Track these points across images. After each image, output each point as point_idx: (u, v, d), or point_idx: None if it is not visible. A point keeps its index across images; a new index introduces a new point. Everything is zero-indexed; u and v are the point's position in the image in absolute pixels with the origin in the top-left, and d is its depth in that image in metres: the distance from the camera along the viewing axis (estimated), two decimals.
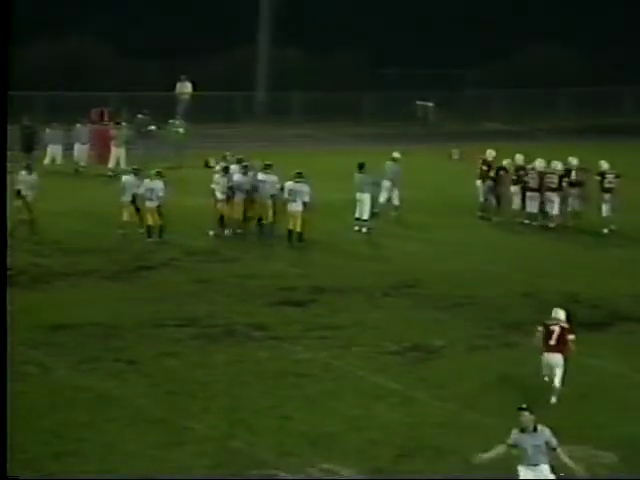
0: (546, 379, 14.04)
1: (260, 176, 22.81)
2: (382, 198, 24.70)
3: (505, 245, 23.02)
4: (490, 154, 26.06)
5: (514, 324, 17.05)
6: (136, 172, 22.94)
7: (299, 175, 22.15)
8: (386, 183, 24.86)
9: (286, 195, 21.94)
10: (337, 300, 18.28)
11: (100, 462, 11.93)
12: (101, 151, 31.24)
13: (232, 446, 12.41)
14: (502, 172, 25.59)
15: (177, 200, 24.35)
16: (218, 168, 23.51)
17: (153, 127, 32.95)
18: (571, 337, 14.01)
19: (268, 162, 23.13)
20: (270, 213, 22.57)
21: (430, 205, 27.00)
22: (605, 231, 24.16)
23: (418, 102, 45.01)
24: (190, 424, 12.90)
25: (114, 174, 30.22)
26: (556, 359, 13.88)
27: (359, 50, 46.67)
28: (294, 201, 21.84)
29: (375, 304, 18.13)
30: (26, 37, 38.50)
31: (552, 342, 13.91)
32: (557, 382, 13.83)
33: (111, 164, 30.68)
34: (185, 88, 40.81)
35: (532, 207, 24.88)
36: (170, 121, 34.94)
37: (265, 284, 19.11)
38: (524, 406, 11.22)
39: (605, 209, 24.30)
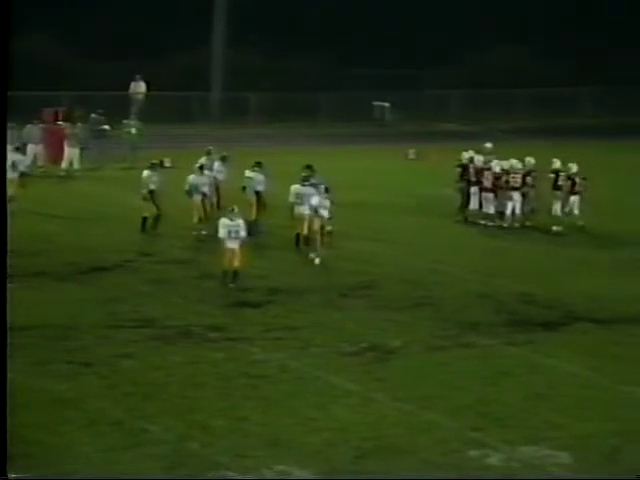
0: None
1: (248, 173, 23.39)
2: None
3: (462, 245, 23.21)
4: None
5: (471, 324, 17.23)
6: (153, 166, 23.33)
7: (306, 178, 22.25)
8: None
9: (292, 199, 21.96)
10: (294, 301, 18.34)
11: (54, 464, 11.88)
12: (54, 151, 31.05)
13: (188, 448, 12.42)
14: (459, 169, 25.78)
15: (132, 201, 24.31)
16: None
17: (107, 127, 32.81)
18: None
19: (258, 161, 23.80)
20: (254, 210, 22.89)
21: (386, 205, 27.16)
22: (554, 229, 24.49)
23: (374, 102, 45.21)
24: (146, 426, 12.90)
25: (67, 175, 30.09)
26: None
27: (315, 51, 46.76)
28: (302, 204, 21.88)
29: (332, 305, 18.22)
30: None
31: None
32: None
33: (64, 164, 30.50)
34: (139, 88, 40.68)
35: (488, 207, 25.14)
36: (124, 121, 34.77)
37: (222, 285, 19.11)
38: None
39: (556, 208, 24.67)
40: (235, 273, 18.88)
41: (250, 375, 14.68)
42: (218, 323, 16.95)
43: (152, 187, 22.99)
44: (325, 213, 20.91)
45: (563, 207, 24.68)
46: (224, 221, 19.03)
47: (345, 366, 15.16)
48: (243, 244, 18.97)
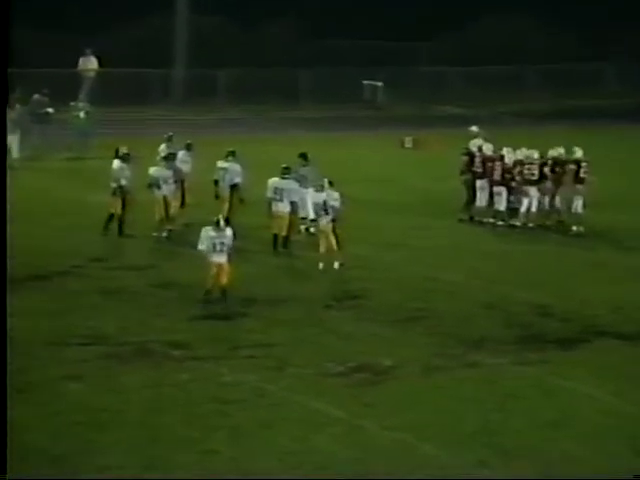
0: None
1: (221, 164, 23.66)
2: None
3: (466, 249, 23.33)
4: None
5: (475, 341, 17.32)
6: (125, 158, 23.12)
7: (286, 170, 22.29)
8: None
9: (270, 194, 22.03)
10: (271, 313, 18.40)
11: None
12: None
13: None
14: (466, 158, 25.85)
15: (80, 196, 24.35)
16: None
17: (51, 110, 32.85)
18: None
19: (231, 149, 23.96)
20: (227, 207, 23.11)
21: (379, 202, 27.27)
22: (574, 229, 24.65)
23: (365, 81, 45.36)
24: (97, 460, 12.92)
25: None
26: None
27: (295, 19, 46.81)
28: (280, 201, 21.94)
29: (315, 318, 18.29)
30: None
31: None
32: None
33: None
34: (89, 64, 40.70)
35: (499, 204, 25.22)
36: (72, 103, 34.85)
37: (186, 295, 19.17)
38: None
39: (577, 204, 24.73)
40: (223, 292, 18.67)
41: (219, 400, 14.73)
42: (182, 339, 16.98)
43: (123, 182, 22.98)
44: (337, 204, 20.97)
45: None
46: (207, 232, 18.71)
47: (329, 389, 15.23)
48: (231, 257, 18.82)
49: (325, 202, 20.98)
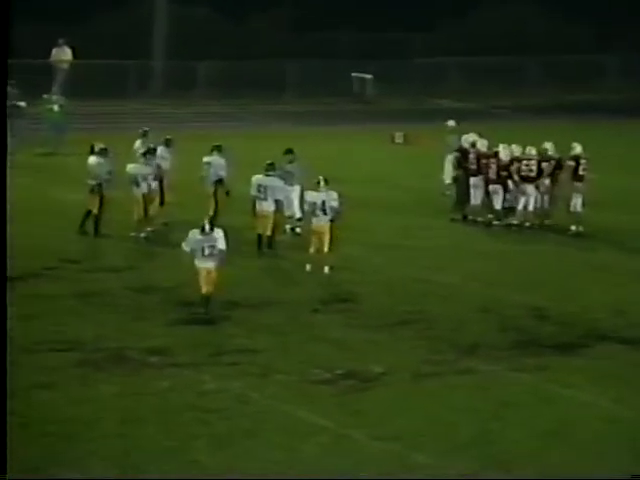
0: None
1: (206, 159, 23.86)
2: None
3: (459, 249, 23.41)
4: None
5: (469, 346, 17.39)
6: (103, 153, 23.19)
7: (270, 167, 22.34)
8: None
9: (254, 192, 22.08)
10: (255, 318, 18.45)
11: None
12: None
13: None
14: (457, 154, 25.94)
15: (55, 194, 24.33)
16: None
17: (22, 103, 32.83)
18: None
19: (217, 143, 24.15)
20: (212, 204, 23.35)
21: (368, 200, 27.32)
22: (573, 228, 24.74)
23: (354, 74, 45.43)
24: (70, 473, 12.94)
25: None
26: None
27: (281, 9, 46.83)
28: (265, 199, 21.99)
29: (302, 322, 18.34)
30: None
31: None
32: None
33: None
34: (63, 54, 40.69)
35: (495, 202, 25.28)
36: (45, 96, 34.84)
37: (165, 298, 19.22)
38: None
39: (576, 203, 24.81)
40: (207, 299, 18.38)
41: (200, 408, 14.76)
42: (161, 345, 17.02)
43: (101, 178, 23.01)
44: (336, 204, 20.97)
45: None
46: (195, 235, 18.38)
47: (315, 397, 15.28)
48: (222, 261, 18.47)
49: (324, 202, 21.02)
